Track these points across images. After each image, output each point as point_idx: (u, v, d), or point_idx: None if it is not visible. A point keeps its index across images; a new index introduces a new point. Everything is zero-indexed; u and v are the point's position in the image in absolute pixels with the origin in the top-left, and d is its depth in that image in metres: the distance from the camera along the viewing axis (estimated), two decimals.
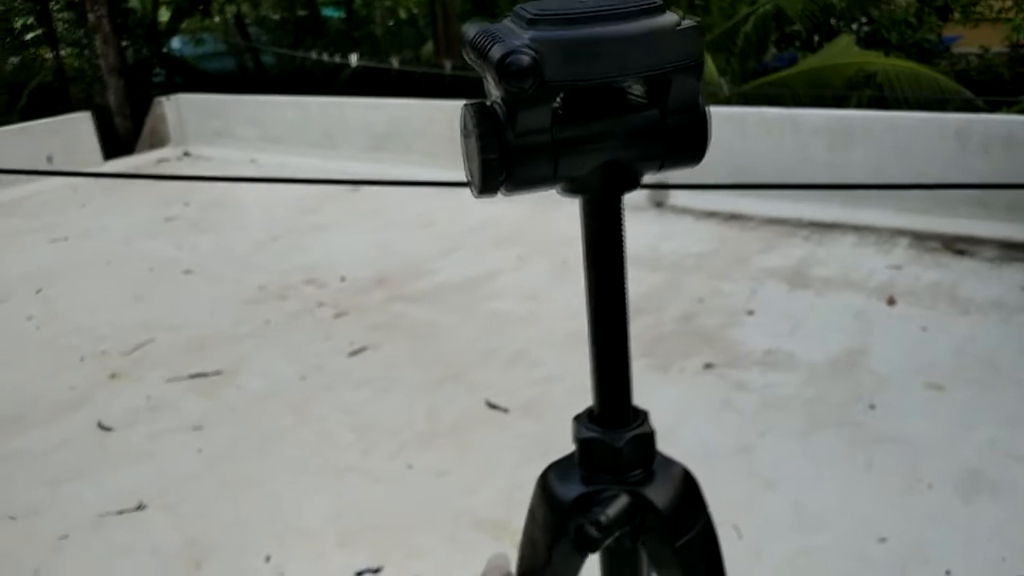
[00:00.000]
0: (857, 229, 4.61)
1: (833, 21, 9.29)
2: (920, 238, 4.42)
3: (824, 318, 3.69)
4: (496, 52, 0.53)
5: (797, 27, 8.77)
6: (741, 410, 2.98)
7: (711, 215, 5.03)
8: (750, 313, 3.77)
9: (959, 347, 3.31)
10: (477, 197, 0.60)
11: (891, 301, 3.77)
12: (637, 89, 0.59)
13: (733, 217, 4.96)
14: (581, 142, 0.57)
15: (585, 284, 0.64)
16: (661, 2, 0.56)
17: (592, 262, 0.63)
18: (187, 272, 4.83)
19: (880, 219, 4.59)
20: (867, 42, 8.57)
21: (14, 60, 12.05)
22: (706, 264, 4.39)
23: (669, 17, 0.55)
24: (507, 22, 0.57)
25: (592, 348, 0.66)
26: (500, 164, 0.56)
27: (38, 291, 4.70)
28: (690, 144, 0.59)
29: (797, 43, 9.60)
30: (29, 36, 11.91)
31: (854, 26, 9.06)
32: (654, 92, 0.58)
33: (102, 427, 3.16)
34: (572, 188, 0.60)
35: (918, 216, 4.50)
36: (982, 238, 4.33)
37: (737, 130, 5.10)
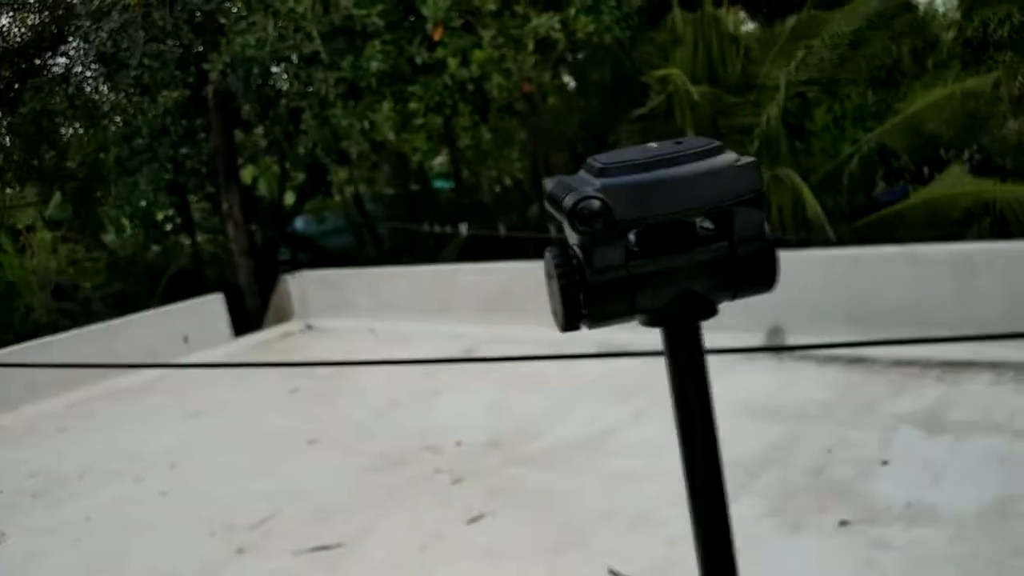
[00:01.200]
0: (993, 366, 4.31)
1: (942, 151, 9.15)
2: None
3: (967, 465, 3.41)
4: (570, 200, 0.58)
5: (904, 160, 8.66)
6: (885, 571, 2.72)
7: (832, 360, 4.82)
8: (884, 463, 3.53)
9: None
10: (562, 332, 0.63)
11: None
12: (706, 224, 0.62)
13: (856, 361, 4.74)
14: (656, 276, 0.61)
15: (675, 419, 0.65)
16: (719, 143, 0.61)
17: (678, 392, 0.65)
18: (311, 442, 4.96)
19: (1016, 354, 4.28)
20: (980, 170, 8.35)
21: (156, 248, 13.28)
22: (832, 412, 4.18)
23: (727, 156, 0.60)
24: (581, 173, 0.61)
25: (688, 492, 0.66)
26: (581, 300, 0.60)
27: (172, 466, 4.92)
28: (760, 272, 0.62)
29: (907, 176, 9.46)
30: (169, 227, 13.16)
31: (965, 154, 8.88)
32: (721, 225, 0.61)
33: None
34: (651, 320, 0.63)
35: None
36: None
37: (852, 270, 4.98)
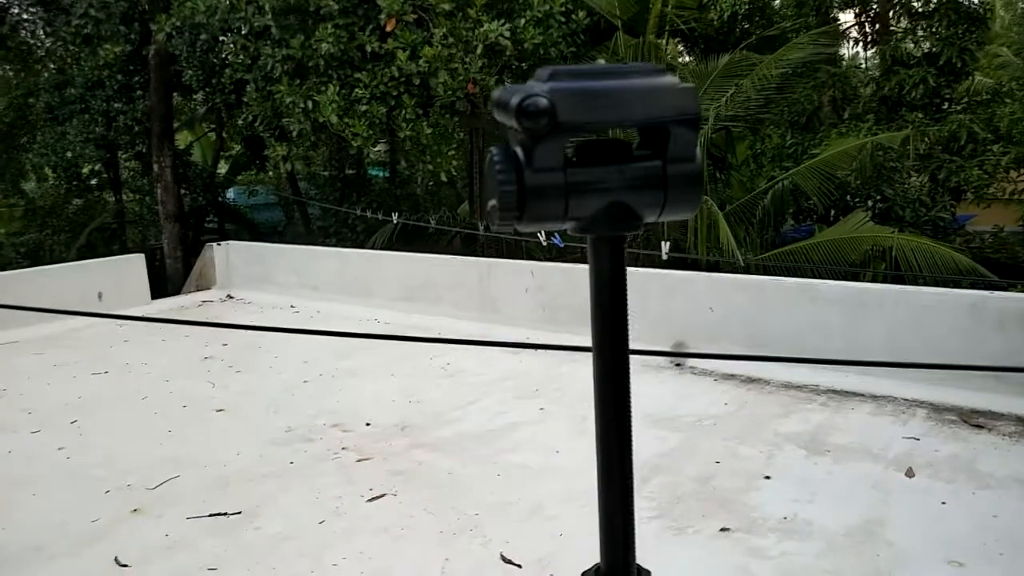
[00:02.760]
0: (875, 398, 4.67)
1: (848, 197, 9.69)
2: (938, 410, 4.46)
3: (842, 487, 3.69)
4: (517, 98, 0.60)
5: (813, 201, 9.16)
6: None
7: (730, 377, 5.13)
8: (767, 478, 3.79)
9: (980, 523, 3.28)
10: (494, 228, 0.66)
11: (910, 473, 3.77)
12: (641, 144, 0.65)
13: (751, 380, 5.05)
14: (589, 186, 0.63)
15: (592, 328, 0.68)
16: (664, 68, 0.64)
17: (597, 302, 0.68)
18: (219, 411, 4.98)
19: (897, 389, 4.66)
20: (882, 218, 8.90)
21: (78, 202, 12.89)
22: (724, 426, 4.45)
23: (670, 78, 0.64)
24: (530, 81, 0.64)
25: (598, 422, 0.70)
26: (517, 198, 0.62)
27: (73, 422, 4.86)
28: (687, 194, 0.65)
29: (814, 216, 9.98)
30: (94, 182, 12.79)
31: (869, 202, 9.45)
32: (656, 144, 0.64)
33: (119, 563, 3.21)
34: (580, 227, 0.65)
35: (935, 388, 4.56)
36: (1000, 413, 4.36)
37: (755, 297, 5.29)
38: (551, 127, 0.60)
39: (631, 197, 0.64)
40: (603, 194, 0.64)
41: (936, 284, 6.71)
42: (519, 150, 0.62)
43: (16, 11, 12.49)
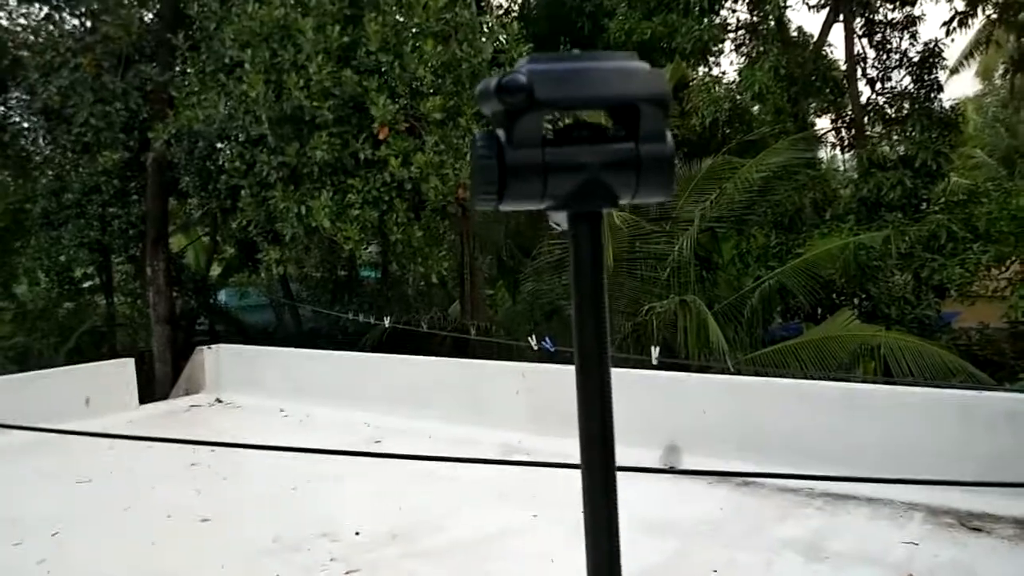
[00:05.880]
0: (870, 500, 4.62)
1: (834, 296, 9.84)
2: (935, 513, 4.41)
3: None
4: (496, 79, 0.65)
5: (800, 299, 9.30)
6: None
7: (724, 481, 5.07)
8: None
9: None
10: (476, 207, 0.71)
11: None
12: (616, 127, 0.69)
13: (746, 483, 5.00)
14: (566, 165, 0.67)
15: (572, 310, 0.72)
16: (635, 54, 0.68)
17: (577, 273, 0.71)
18: (204, 520, 4.87)
19: (893, 492, 4.61)
20: (868, 316, 9.03)
21: (69, 305, 12.91)
22: (721, 532, 4.38)
23: (641, 63, 0.68)
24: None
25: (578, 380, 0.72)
26: (498, 175, 0.66)
27: (55, 534, 4.74)
28: (659, 174, 0.68)
29: (801, 315, 10.11)
30: (87, 285, 12.86)
31: (855, 300, 9.59)
32: (629, 126, 0.68)
33: None
34: (558, 204, 0.69)
35: (931, 490, 4.52)
36: (997, 515, 4.32)
37: (748, 399, 5.31)
38: (529, 103, 0.64)
39: (606, 176, 0.67)
40: (579, 172, 0.67)
41: (926, 384, 6.74)
42: (500, 132, 0.66)
43: (17, 120, 12.84)
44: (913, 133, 11.99)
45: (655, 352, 5.85)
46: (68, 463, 6.20)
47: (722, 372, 6.41)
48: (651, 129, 0.67)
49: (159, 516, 4.98)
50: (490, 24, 9.22)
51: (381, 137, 8.21)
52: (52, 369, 8.26)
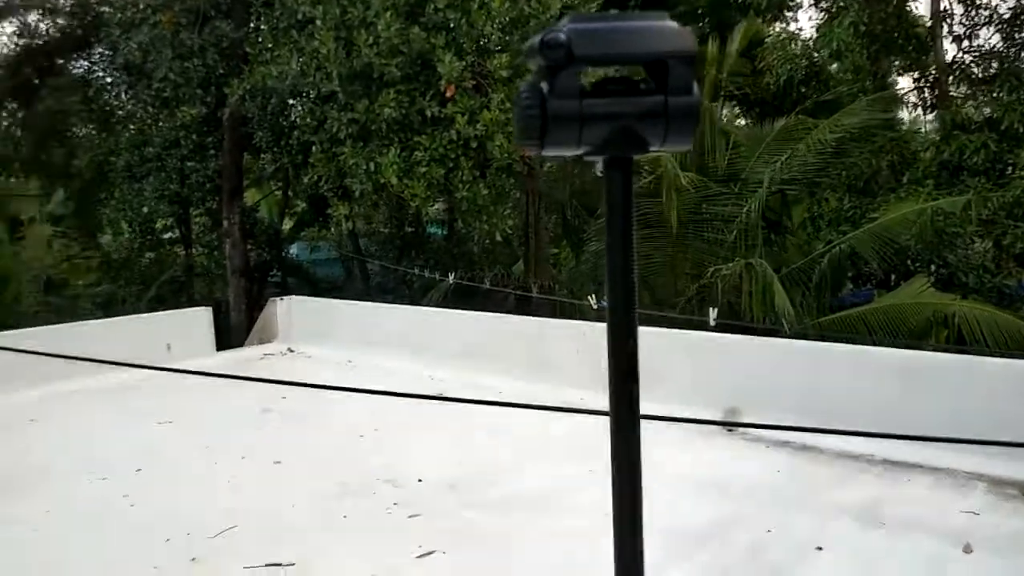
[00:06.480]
0: (932, 470, 4.56)
1: (909, 263, 9.55)
2: (998, 484, 4.33)
3: (897, 561, 3.61)
4: (540, 36, 0.72)
5: (873, 266, 9.05)
6: None
7: (783, 444, 5.07)
8: (819, 549, 3.73)
9: None
10: (519, 145, 0.77)
11: (968, 549, 3.68)
12: (647, 82, 0.75)
13: (805, 448, 4.98)
14: (601, 114, 0.74)
15: (606, 245, 0.80)
16: (666, 14, 0.75)
17: (609, 217, 0.79)
18: (276, 463, 5.12)
19: (955, 462, 4.54)
20: (944, 285, 8.74)
21: (150, 255, 13.48)
22: (777, 494, 4.39)
23: (670, 23, 0.74)
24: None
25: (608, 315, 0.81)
26: (541, 123, 0.72)
27: (138, 470, 5.05)
28: (685, 123, 0.75)
29: (874, 281, 9.85)
30: (167, 236, 13.38)
31: (932, 267, 9.29)
32: (659, 81, 0.74)
33: None
34: (594, 150, 0.75)
35: (995, 461, 4.44)
36: None
37: (810, 364, 5.26)
38: (568, 59, 0.71)
39: (637, 125, 0.74)
40: (613, 121, 0.74)
41: (1002, 355, 6.54)
42: (543, 84, 0.73)
43: (101, 75, 13.31)
44: (1001, 95, 11.41)
45: (713, 314, 5.83)
46: (150, 405, 6.56)
47: (787, 336, 6.35)
48: (679, 83, 0.73)
49: (234, 457, 5.25)
50: None
51: (448, 95, 8.26)
52: (135, 315, 8.67)
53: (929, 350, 6.44)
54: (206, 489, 4.69)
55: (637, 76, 0.76)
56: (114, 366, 6.14)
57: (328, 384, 5.30)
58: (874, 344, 6.10)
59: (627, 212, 0.78)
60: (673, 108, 0.74)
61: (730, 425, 5.10)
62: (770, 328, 6.94)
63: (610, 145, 0.75)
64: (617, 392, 0.82)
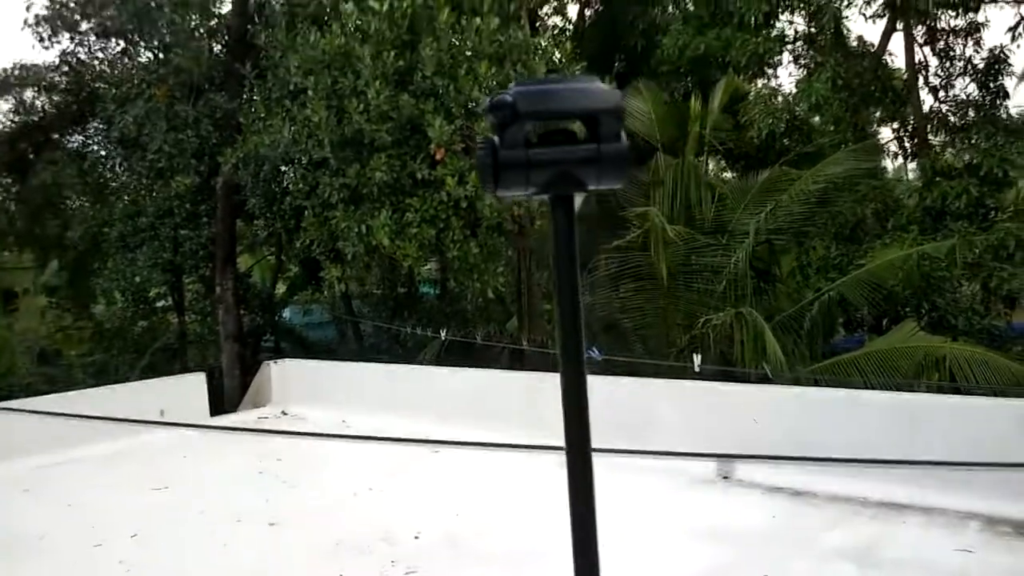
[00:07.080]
0: (925, 510, 4.57)
1: (898, 308, 9.63)
2: (991, 522, 4.34)
3: None
4: (490, 98, 0.86)
5: (863, 311, 9.13)
6: None
7: (777, 491, 5.07)
8: None
9: None
10: (483, 188, 0.90)
11: None
12: (581, 132, 0.88)
13: (799, 494, 4.99)
14: (545, 161, 0.87)
15: (552, 275, 0.93)
16: (598, 77, 0.88)
17: (555, 248, 0.90)
18: (271, 524, 5.09)
19: (948, 501, 4.56)
20: (934, 327, 8.82)
21: (143, 323, 13.51)
22: (773, 540, 4.39)
23: (600, 83, 0.87)
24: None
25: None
26: (493, 170, 0.86)
27: (133, 535, 5.01)
28: (615, 167, 0.87)
29: (865, 326, 9.92)
30: (160, 304, 13.43)
31: (920, 311, 9.37)
32: (592, 132, 0.87)
33: None
34: (539, 191, 0.88)
35: (988, 498, 4.46)
36: None
37: (802, 409, 5.29)
38: (514, 116, 0.85)
39: (575, 168, 0.87)
40: (554, 166, 0.87)
41: (994, 394, 6.59)
42: (496, 139, 0.86)
43: (96, 148, 13.55)
44: (978, 141, 11.70)
45: (697, 360, 5.89)
46: (144, 471, 6.52)
47: (779, 383, 6.38)
48: (609, 133, 0.87)
49: (230, 520, 5.22)
50: (543, 45, 9.40)
51: (438, 158, 8.43)
52: (128, 383, 8.67)
53: (920, 391, 6.49)
54: (200, 553, 4.66)
55: (573, 128, 0.90)
56: (110, 433, 6.15)
57: (318, 452, 5.31)
58: (865, 387, 6.14)
59: (571, 243, 0.91)
60: (605, 154, 0.87)
61: (725, 472, 5.11)
62: (764, 376, 6.97)
63: (553, 186, 0.88)
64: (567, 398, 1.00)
